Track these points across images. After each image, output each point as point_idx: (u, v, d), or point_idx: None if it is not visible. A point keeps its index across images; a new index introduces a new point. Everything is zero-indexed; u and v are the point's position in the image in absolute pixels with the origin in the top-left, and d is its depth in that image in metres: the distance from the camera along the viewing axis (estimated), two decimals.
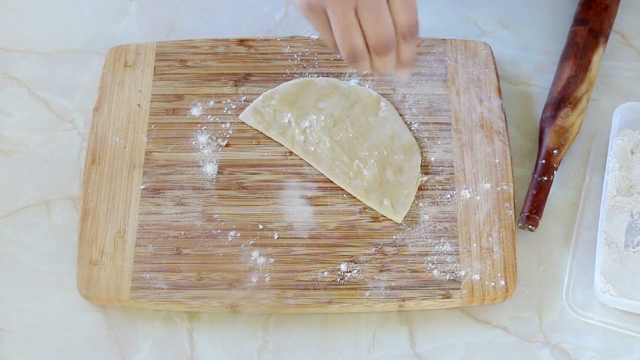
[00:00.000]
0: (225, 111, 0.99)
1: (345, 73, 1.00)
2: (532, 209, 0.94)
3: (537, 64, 1.05)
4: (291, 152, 0.96)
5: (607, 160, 0.95)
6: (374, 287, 0.90)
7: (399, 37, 0.80)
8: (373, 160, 0.95)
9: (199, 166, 0.96)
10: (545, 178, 0.95)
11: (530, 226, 0.93)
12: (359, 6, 0.78)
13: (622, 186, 0.95)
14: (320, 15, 0.79)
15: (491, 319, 0.92)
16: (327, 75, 1.00)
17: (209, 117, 0.99)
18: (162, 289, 0.90)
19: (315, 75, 1.00)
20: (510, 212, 0.93)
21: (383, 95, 0.99)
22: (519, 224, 0.94)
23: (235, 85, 1.00)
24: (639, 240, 0.92)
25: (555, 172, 0.96)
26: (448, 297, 0.90)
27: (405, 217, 0.93)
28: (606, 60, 1.03)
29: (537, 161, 0.97)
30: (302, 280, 0.90)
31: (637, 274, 0.90)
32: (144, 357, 0.90)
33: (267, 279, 0.91)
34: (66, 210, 0.97)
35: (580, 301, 0.91)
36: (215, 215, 0.93)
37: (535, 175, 0.96)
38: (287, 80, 1.00)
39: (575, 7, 1.06)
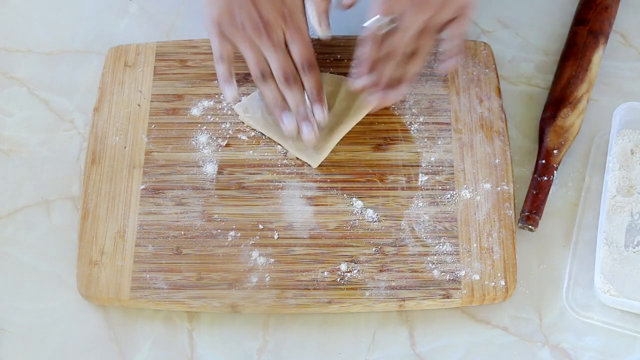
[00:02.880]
0: (225, 111, 0.99)
1: (345, 74, 1.00)
2: (532, 209, 0.94)
3: (537, 64, 1.05)
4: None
5: (607, 160, 0.95)
6: (374, 287, 0.90)
7: (298, 70, 0.92)
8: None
9: (199, 166, 0.96)
10: (545, 178, 0.95)
11: (530, 226, 0.93)
12: (262, 48, 0.92)
13: (622, 186, 0.95)
14: (223, 40, 0.93)
15: (491, 319, 0.92)
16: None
17: (209, 117, 0.99)
18: (162, 289, 0.90)
19: None
20: (510, 212, 0.93)
21: None
22: (519, 224, 0.94)
23: None
24: (639, 240, 0.92)
25: (555, 172, 0.96)
26: (448, 297, 0.90)
27: (405, 217, 0.93)
28: (606, 60, 1.03)
29: (537, 161, 0.97)
30: (302, 280, 0.90)
31: (637, 274, 0.90)
32: (144, 357, 0.90)
33: (267, 279, 0.91)
34: (66, 210, 0.97)
35: (580, 301, 0.91)
36: (215, 215, 0.93)
37: (535, 175, 0.96)
38: None
39: (575, 7, 1.06)
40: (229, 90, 0.94)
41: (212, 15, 0.92)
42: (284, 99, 0.93)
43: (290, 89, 0.92)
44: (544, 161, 0.96)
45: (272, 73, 0.93)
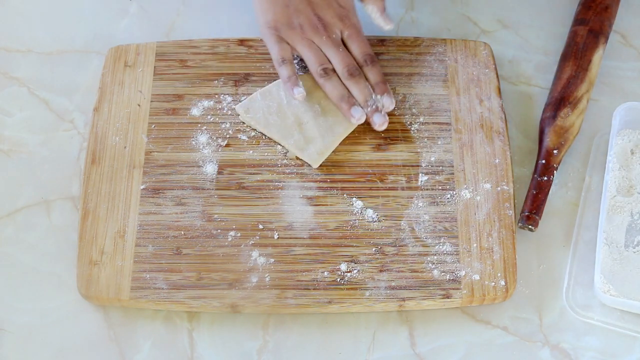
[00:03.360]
0: (225, 111, 0.99)
1: None
2: (532, 209, 0.94)
3: (537, 64, 1.05)
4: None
5: (607, 160, 0.95)
6: (374, 287, 0.90)
7: (361, 65, 0.97)
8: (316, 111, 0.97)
9: (199, 166, 0.96)
10: (545, 178, 0.95)
11: (530, 226, 0.93)
12: (322, 48, 0.97)
13: (622, 186, 0.95)
14: (282, 42, 0.97)
15: (491, 319, 0.92)
16: None
17: (209, 117, 0.99)
18: (162, 289, 0.90)
19: None
20: (510, 212, 0.93)
21: None
22: (519, 224, 0.94)
23: (235, 85, 1.00)
24: (639, 240, 0.92)
25: (555, 172, 0.96)
26: (448, 297, 0.90)
27: (405, 217, 0.93)
28: (606, 60, 1.03)
29: (537, 161, 0.97)
30: (302, 280, 0.90)
31: (637, 274, 0.90)
32: (144, 357, 0.90)
33: (267, 279, 0.91)
34: (66, 210, 0.97)
35: (580, 301, 0.91)
36: (215, 215, 0.93)
37: (535, 175, 0.96)
38: None
39: (575, 7, 1.06)
40: (298, 91, 0.96)
41: (268, 20, 0.97)
42: (349, 94, 0.96)
43: (357, 83, 0.96)
44: (544, 161, 0.96)
45: (334, 69, 0.97)
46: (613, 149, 0.95)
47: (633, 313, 0.90)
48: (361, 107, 0.96)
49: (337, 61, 0.97)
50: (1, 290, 0.93)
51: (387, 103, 0.96)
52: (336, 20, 0.97)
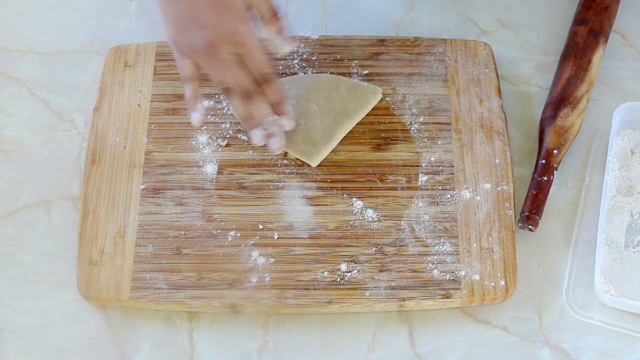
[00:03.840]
0: (225, 111, 0.99)
1: (345, 74, 1.00)
2: (532, 209, 0.94)
3: (537, 64, 1.05)
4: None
5: (607, 160, 0.95)
6: (374, 287, 0.90)
7: (261, 83, 0.89)
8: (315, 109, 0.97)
9: (199, 166, 0.96)
10: (545, 178, 0.95)
11: (530, 226, 0.93)
12: (215, 68, 0.88)
13: (622, 186, 0.95)
14: (183, 58, 0.90)
15: (491, 319, 0.92)
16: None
17: (209, 117, 0.99)
18: (162, 289, 0.90)
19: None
20: (510, 212, 0.93)
21: (383, 95, 0.99)
22: (519, 224, 0.94)
23: None
24: (639, 240, 0.92)
25: (555, 172, 0.96)
26: (448, 297, 0.90)
27: (405, 217, 0.93)
28: (606, 60, 1.03)
29: (537, 161, 0.97)
30: (302, 280, 0.90)
31: (637, 274, 0.90)
32: (144, 357, 0.90)
33: (267, 279, 0.91)
34: (66, 210, 0.97)
35: (580, 301, 0.91)
36: (215, 215, 0.93)
37: (535, 175, 0.96)
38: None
39: (575, 7, 1.06)
40: (193, 116, 0.92)
41: (169, 35, 0.89)
42: (252, 115, 0.91)
43: (252, 104, 0.90)
44: (544, 161, 0.96)
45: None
46: (613, 149, 0.95)
47: (633, 313, 0.90)
48: (260, 130, 0.91)
49: (231, 82, 0.89)
50: (1, 290, 0.93)
51: (285, 124, 0.92)
52: (223, 42, 0.86)
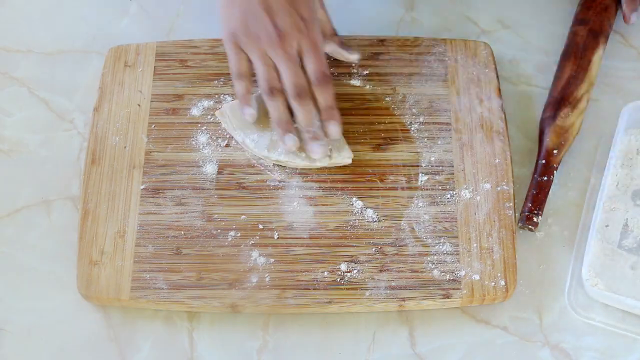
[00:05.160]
0: None
1: (345, 74, 1.00)
2: (532, 209, 0.94)
3: (537, 64, 1.05)
4: None
5: (609, 156, 0.95)
6: (374, 287, 0.90)
7: (313, 84, 0.90)
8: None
9: (199, 166, 0.96)
10: (545, 178, 0.95)
11: (530, 226, 0.93)
12: (275, 61, 0.90)
13: (623, 185, 0.95)
14: (240, 53, 0.91)
15: (491, 319, 0.92)
16: None
17: (209, 117, 0.99)
18: (162, 289, 0.90)
19: None
20: (510, 212, 0.93)
21: (383, 95, 0.99)
22: (519, 224, 0.94)
23: None
24: (633, 238, 0.92)
25: (555, 172, 0.96)
26: (448, 297, 0.90)
27: (405, 217, 0.93)
28: (606, 60, 1.03)
29: (537, 161, 0.97)
30: (302, 280, 0.90)
31: (627, 272, 0.90)
32: (144, 357, 0.90)
33: (267, 279, 0.91)
34: (66, 210, 0.97)
35: (581, 301, 0.91)
36: (215, 215, 0.93)
37: (536, 175, 0.96)
38: None
39: (575, 7, 1.06)
40: (247, 111, 0.93)
41: (228, 28, 0.91)
42: (290, 119, 0.92)
43: (302, 105, 0.90)
44: (544, 161, 0.96)
45: (281, 90, 0.91)
46: (617, 147, 0.95)
47: (634, 314, 0.90)
48: (294, 136, 0.92)
49: (287, 78, 0.90)
50: (1, 290, 0.93)
51: (333, 131, 0.92)
52: (294, 32, 0.89)
